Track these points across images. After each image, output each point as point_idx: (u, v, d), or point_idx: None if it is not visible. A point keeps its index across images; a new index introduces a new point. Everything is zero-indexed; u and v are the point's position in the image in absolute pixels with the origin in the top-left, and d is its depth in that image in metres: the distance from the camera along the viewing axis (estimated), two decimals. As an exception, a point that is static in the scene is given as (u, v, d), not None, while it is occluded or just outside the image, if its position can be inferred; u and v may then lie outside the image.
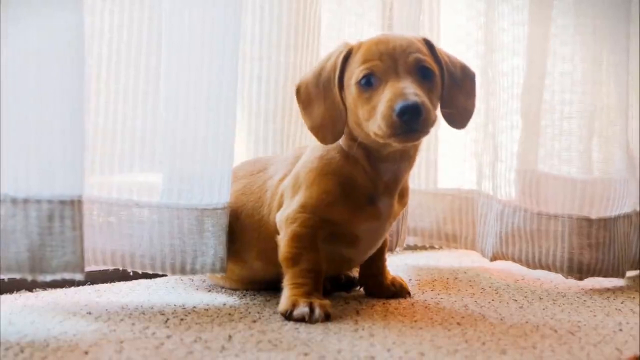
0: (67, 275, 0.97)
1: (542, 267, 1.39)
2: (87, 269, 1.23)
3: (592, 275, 1.37)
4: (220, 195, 1.13)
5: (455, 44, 1.60)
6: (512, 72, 1.45)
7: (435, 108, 1.04)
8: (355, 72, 1.04)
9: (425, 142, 1.59)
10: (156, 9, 1.14)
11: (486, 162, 1.50)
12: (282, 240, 1.09)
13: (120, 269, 1.14)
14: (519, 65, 1.45)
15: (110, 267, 1.14)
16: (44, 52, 0.96)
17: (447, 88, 1.08)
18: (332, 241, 1.10)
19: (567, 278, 1.38)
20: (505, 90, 1.46)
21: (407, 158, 1.10)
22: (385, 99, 0.99)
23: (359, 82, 1.03)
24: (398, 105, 0.97)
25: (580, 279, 1.37)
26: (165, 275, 1.27)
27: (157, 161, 1.14)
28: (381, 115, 0.99)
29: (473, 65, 1.54)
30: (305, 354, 0.86)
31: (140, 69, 1.14)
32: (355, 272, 1.27)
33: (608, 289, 1.34)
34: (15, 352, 0.84)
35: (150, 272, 1.14)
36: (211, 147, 1.13)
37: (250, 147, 1.37)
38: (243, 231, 1.16)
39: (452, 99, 1.09)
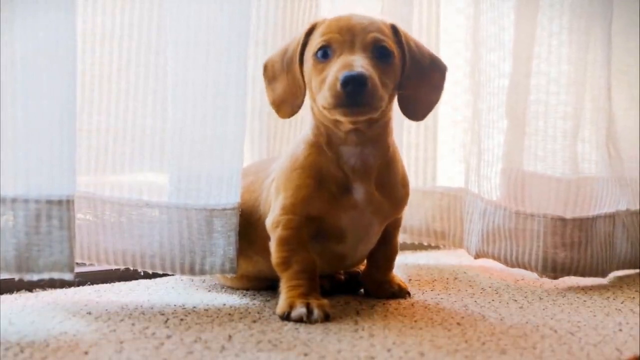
0: (56, 275, 0.97)
1: (519, 266, 1.39)
2: (89, 268, 1.25)
3: (568, 274, 1.36)
4: (229, 195, 1.13)
5: (454, 43, 1.59)
6: (501, 73, 1.44)
7: (387, 90, 1.04)
8: (314, 44, 1.05)
9: (425, 140, 1.60)
10: (165, 6, 1.13)
11: (474, 160, 1.49)
12: (272, 246, 1.09)
13: (122, 268, 1.14)
14: (506, 66, 1.44)
15: (122, 267, 1.15)
16: (32, 51, 0.95)
17: (408, 75, 1.08)
18: (320, 238, 1.10)
19: (541, 277, 1.38)
20: (492, 90, 1.44)
21: (370, 141, 1.08)
22: (333, 69, 1.00)
23: (315, 54, 1.04)
24: (342, 75, 0.97)
25: (555, 277, 1.37)
26: (166, 275, 1.27)
27: (166, 160, 1.14)
28: (328, 86, 1.00)
29: (469, 65, 1.56)
30: (305, 354, 0.86)
31: (150, 68, 1.15)
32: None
33: (608, 289, 1.34)
34: (15, 352, 0.84)
35: (161, 272, 1.14)
36: (220, 146, 1.12)
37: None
38: (248, 227, 1.16)
39: (413, 87, 1.08)
